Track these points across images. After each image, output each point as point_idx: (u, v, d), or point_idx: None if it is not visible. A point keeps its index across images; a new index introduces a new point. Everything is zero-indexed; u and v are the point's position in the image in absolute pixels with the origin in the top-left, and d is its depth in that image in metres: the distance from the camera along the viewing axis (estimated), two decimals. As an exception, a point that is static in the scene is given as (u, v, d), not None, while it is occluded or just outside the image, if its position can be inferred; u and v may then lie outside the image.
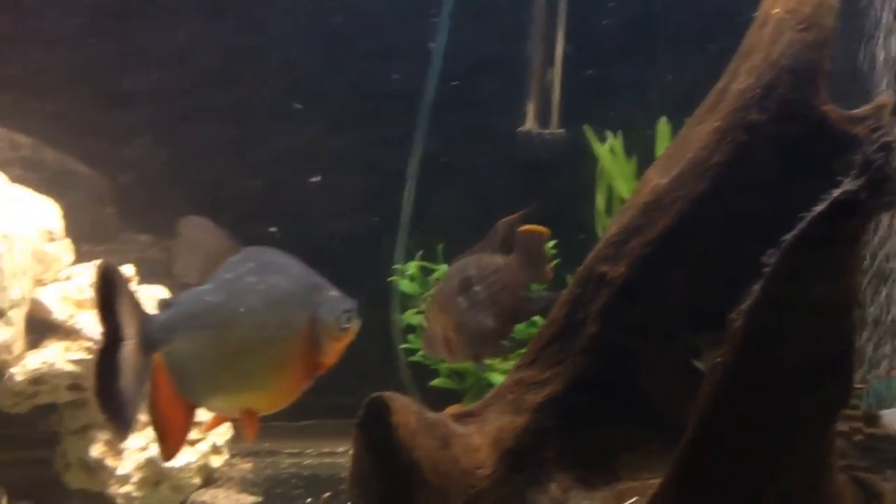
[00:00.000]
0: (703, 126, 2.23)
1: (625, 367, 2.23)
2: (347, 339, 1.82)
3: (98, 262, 1.62)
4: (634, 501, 2.11)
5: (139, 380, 1.63)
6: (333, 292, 1.81)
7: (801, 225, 1.62)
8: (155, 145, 3.84)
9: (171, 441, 1.72)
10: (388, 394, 2.26)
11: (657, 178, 2.26)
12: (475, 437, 2.28)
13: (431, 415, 2.30)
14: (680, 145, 2.30)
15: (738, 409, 1.75)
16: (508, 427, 2.24)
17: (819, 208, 1.59)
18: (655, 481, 2.02)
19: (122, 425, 1.63)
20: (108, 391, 1.60)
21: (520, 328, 3.42)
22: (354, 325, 1.81)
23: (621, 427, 2.24)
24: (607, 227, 3.26)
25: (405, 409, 2.23)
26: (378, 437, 2.22)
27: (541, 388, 2.25)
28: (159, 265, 3.54)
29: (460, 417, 2.34)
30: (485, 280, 2.40)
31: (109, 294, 1.62)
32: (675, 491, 1.87)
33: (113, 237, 3.74)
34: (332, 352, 1.80)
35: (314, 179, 3.78)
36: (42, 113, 3.63)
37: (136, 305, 1.65)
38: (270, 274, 1.75)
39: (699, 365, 2.17)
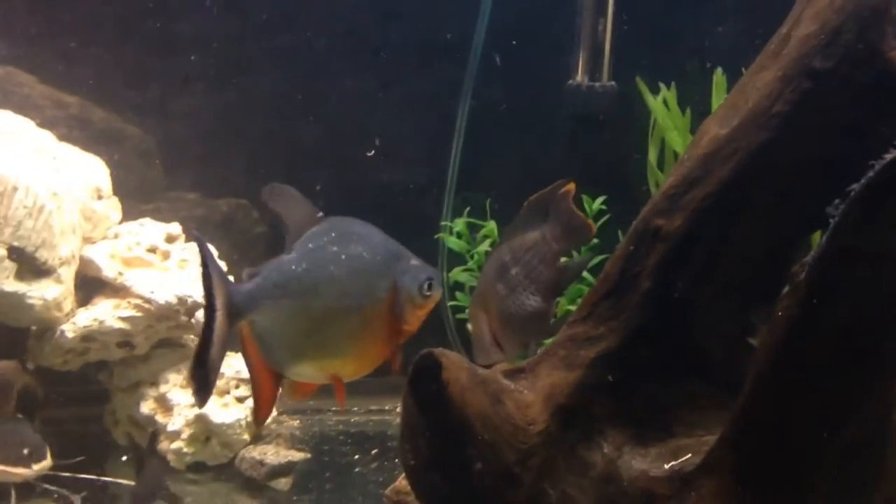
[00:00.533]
0: (765, 74, 2.14)
1: (680, 322, 2.17)
2: (429, 306, 1.87)
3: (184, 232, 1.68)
4: (689, 458, 2.06)
5: (223, 349, 1.68)
6: (414, 261, 1.87)
7: (872, 172, 1.55)
8: (204, 99, 3.81)
9: (260, 408, 1.81)
10: (438, 350, 2.23)
11: (716, 128, 2.18)
12: (527, 394, 2.25)
13: (482, 371, 2.27)
14: (740, 94, 2.21)
15: (799, 363, 1.70)
16: (561, 383, 2.19)
17: (890, 155, 1.52)
18: (711, 438, 1.98)
19: (204, 393, 1.71)
20: (199, 360, 1.65)
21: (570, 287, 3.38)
22: (435, 293, 1.87)
23: (676, 383, 2.18)
24: (663, 181, 3.20)
25: (456, 365, 2.21)
26: (429, 394, 2.20)
27: (594, 343, 2.20)
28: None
29: (511, 374, 2.31)
30: (519, 261, 2.36)
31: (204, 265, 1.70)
32: (732, 448, 1.82)
33: (160, 195, 3.74)
34: (414, 319, 1.86)
35: (370, 153, 3.75)
36: (88, 70, 3.62)
37: (222, 276, 1.71)
38: (353, 243, 1.78)
39: (754, 343, 2.10)
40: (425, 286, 1.85)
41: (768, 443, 1.76)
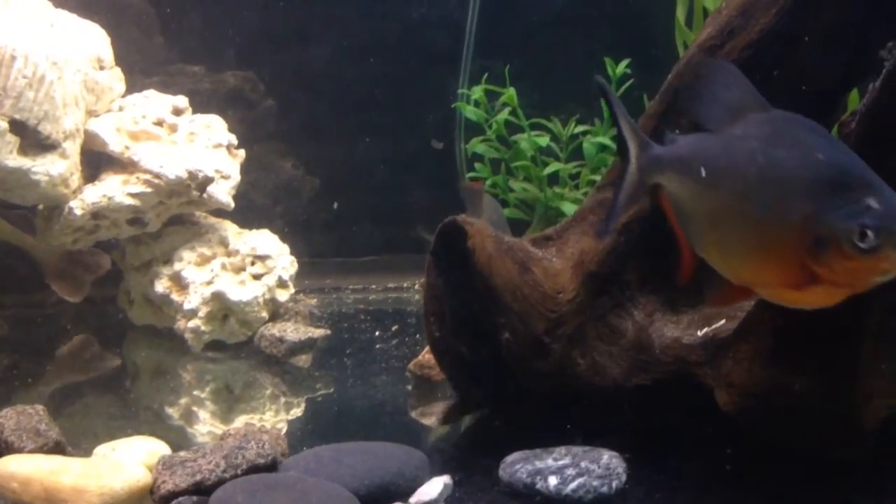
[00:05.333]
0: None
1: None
2: (866, 264, 1.35)
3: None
4: (723, 324, 1.99)
5: (629, 199, 1.72)
6: (873, 200, 1.35)
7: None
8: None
9: (680, 268, 1.72)
10: (461, 217, 2.14)
11: (757, -26, 2.03)
12: (555, 261, 2.16)
13: (509, 239, 2.17)
14: (784, -63, 2.05)
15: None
16: (591, 250, 2.11)
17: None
18: (746, 303, 1.90)
19: (603, 230, 1.98)
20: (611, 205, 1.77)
21: (589, 152, 3.26)
22: (885, 252, 1.33)
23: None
24: (691, 40, 3.03)
25: (481, 233, 2.12)
26: (454, 262, 2.11)
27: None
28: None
29: (539, 241, 2.22)
30: None
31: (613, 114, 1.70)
32: (771, 312, 1.75)
33: (162, 69, 3.59)
34: (842, 271, 1.37)
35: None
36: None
37: (635, 130, 1.69)
38: (784, 147, 1.45)
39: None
40: (858, 233, 1.33)
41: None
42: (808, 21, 1.96)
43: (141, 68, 3.40)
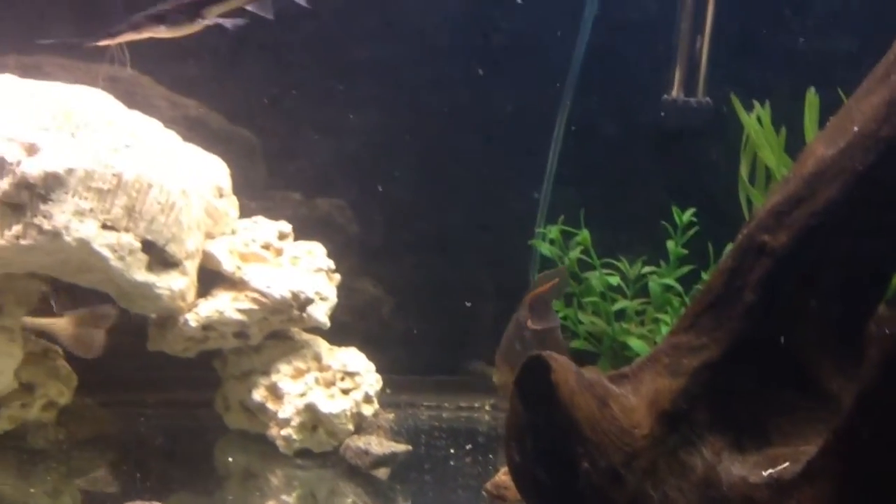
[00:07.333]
0: (873, 97, 2.21)
1: (781, 335, 2.25)
2: None
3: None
4: (787, 466, 2.14)
5: None
6: None
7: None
8: (308, 105, 3.98)
9: None
10: (547, 352, 2.36)
11: (822, 149, 2.26)
12: (631, 398, 2.35)
13: (589, 374, 2.38)
14: (846, 116, 2.29)
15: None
16: (665, 389, 2.30)
17: None
18: (808, 448, 2.06)
19: None
20: None
21: (655, 291, 3.49)
22: None
23: (775, 393, 2.27)
24: (754, 195, 3.28)
25: (564, 368, 2.32)
26: (537, 394, 2.32)
27: (697, 353, 2.29)
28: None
29: (615, 378, 2.41)
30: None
31: None
32: (834, 458, 1.90)
33: (265, 194, 3.92)
34: None
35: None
36: (197, 76, 3.80)
37: None
38: None
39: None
40: None
41: (873, 454, 1.82)
42: (869, 196, 2.18)
43: (246, 192, 3.73)
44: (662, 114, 3.77)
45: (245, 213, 3.43)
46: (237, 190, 3.48)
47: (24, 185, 2.63)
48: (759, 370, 2.26)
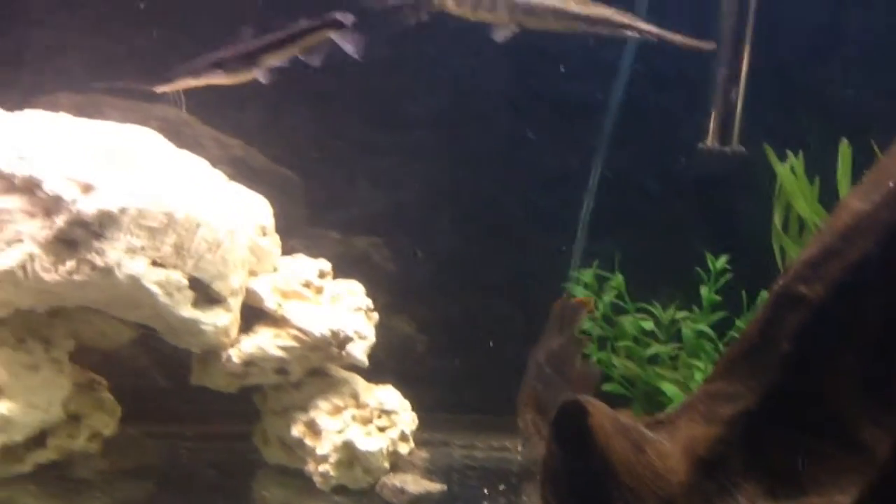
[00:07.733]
0: (907, 154, 2.28)
1: (816, 384, 2.29)
2: None
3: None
4: (820, 516, 2.17)
5: None
6: None
7: None
8: (347, 144, 4.08)
9: None
10: (584, 397, 2.41)
11: (857, 203, 2.31)
12: (666, 444, 2.40)
13: (625, 419, 2.43)
14: (881, 172, 2.34)
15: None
16: (700, 437, 2.34)
17: None
18: (842, 499, 2.09)
19: None
20: None
21: (688, 336, 3.53)
22: None
23: (810, 443, 2.30)
24: (787, 244, 3.32)
25: (601, 412, 2.37)
26: (573, 438, 2.36)
27: (732, 401, 2.34)
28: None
29: (651, 425, 2.46)
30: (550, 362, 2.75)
31: None
32: (869, 509, 1.93)
33: (305, 233, 4.01)
34: None
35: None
36: (247, 115, 3.92)
37: None
38: None
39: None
40: None
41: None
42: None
43: (285, 230, 3.83)
44: (697, 161, 3.84)
45: (286, 250, 3.52)
46: (277, 228, 3.58)
47: (78, 222, 2.72)
48: (794, 419, 2.30)
